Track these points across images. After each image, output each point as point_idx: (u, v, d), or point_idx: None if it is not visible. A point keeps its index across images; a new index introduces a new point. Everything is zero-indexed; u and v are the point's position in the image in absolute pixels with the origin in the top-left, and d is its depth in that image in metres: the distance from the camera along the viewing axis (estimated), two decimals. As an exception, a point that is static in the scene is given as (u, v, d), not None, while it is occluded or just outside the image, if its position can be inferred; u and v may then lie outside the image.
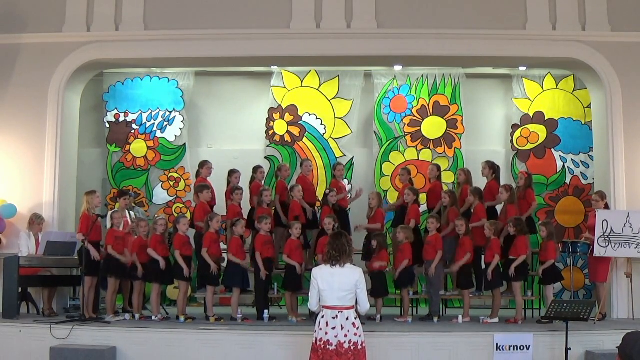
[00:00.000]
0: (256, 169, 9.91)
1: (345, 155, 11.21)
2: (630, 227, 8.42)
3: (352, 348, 5.35)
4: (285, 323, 8.31)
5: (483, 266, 8.53)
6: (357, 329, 5.42)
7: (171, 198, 11.30)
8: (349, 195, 10.23)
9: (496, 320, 8.35)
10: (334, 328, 5.35)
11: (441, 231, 8.81)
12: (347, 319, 5.38)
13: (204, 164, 9.73)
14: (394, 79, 11.30)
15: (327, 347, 5.35)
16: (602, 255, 8.47)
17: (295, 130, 11.28)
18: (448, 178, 10.76)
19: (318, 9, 9.42)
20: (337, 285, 5.38)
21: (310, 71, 11.28)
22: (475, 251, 8.62)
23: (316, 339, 5.44)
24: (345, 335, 5.35)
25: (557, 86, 11.22)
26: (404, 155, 11.22)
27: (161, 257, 8.37)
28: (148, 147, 11.29)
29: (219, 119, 11.54)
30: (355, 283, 5.42)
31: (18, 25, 9.50)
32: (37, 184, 9.32)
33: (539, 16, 9.38)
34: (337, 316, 5.37)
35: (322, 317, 5.43)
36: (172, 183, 11.30)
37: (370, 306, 5.82)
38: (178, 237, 8.48)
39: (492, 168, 9.56)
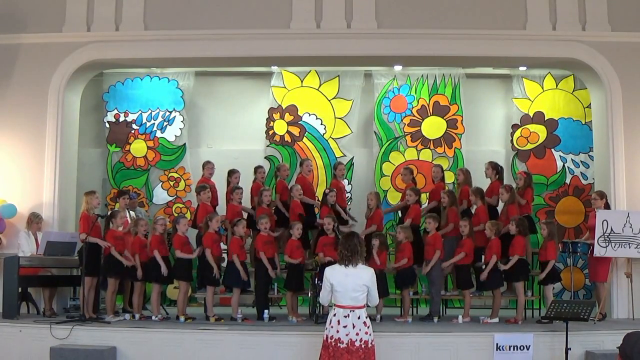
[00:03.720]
0: (257, 169, 9.94)
1: (345, 155, 11.20)
2: (630, 227, 8.42)
3: (362, 346, 5.48)
4: (285, 323, 8.30)
5: (483, 266, 8.53)
6: (368, 327, 5.55)
7: (171, 198, 11.30)
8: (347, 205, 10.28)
9: (496, 320, 8.34)
10: (345, 326, 5.47)
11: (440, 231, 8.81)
12: (359, 317, 5.51)
13: (205, 164, 9.79)
14: (394, 79, 11.30)
15: (338, 344, 5.46)
16: (602, 255, 8.46)
17: (295, 130, 11.28)
18: (448, 178, 10.74)
19: (318, 9, 9.42)
20: (351, 285, 5.51)
21: (310, 71, 11.28)
22: (476, 251, 8.61)
23: (327, 336, 5.54)
24: (357, 334, 5.47)
25: (557, 86, 11.22)
26: (404, 155, 11.21)
27: (163, 261, 8.35)
28: (148, 147, 11.29)
29: (219, 119, 11.54)
30: (366, 282, 5.56)
31: (18, 25, 9.50)
32: (37, 184, 9.32)
33: (539, 16, 9.37)
34: (348, 315, 5.49)
35: (334, 315, 5.54)
36: (172, 183, 11.30)
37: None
38: (178, 238, 8.47)
39: (495, 169, 9.56)
